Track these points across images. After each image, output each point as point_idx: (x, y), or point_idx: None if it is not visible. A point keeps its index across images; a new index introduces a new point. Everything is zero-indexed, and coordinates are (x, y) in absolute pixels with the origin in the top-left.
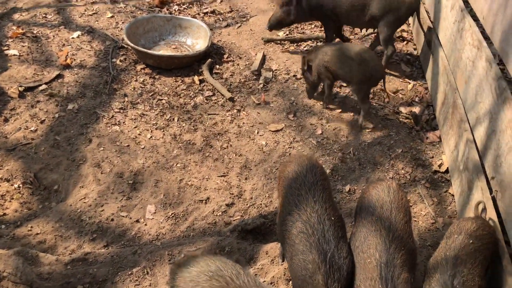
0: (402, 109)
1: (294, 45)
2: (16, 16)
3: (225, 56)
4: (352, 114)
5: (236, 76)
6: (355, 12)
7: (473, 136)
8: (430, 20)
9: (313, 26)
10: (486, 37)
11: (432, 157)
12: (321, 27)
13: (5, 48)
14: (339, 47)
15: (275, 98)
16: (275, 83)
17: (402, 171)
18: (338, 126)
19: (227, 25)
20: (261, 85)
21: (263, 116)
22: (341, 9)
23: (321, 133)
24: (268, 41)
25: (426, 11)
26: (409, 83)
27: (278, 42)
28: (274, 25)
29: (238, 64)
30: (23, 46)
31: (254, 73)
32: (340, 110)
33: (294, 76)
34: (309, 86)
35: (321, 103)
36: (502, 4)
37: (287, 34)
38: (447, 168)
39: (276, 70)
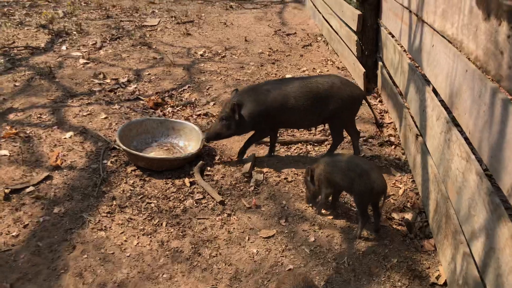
0: (394, 215)
1: (284, 147)
2: (11, 116)
3: (217, 158)
4: (344, 220)
5: (227, 178)
6: (308, 115)
7: (470, 250)
8: (416, 126)
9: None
10: None
11: (429, 267)
12: (310, 130)
13: None
14: (341, 158)
15: (266, 201)
16: (266, 185)
17: (399, 283)
18: (331, 233)
19: None
20: (252, 188)
21: (254, 221)
22: (294, 114)
23: (314, 240)
24: (259, 143)
25: (411, 116)
26: (400, 188)
27: (269, 144)
28: (213, 137)
29: (229, 166)
30: (15, 146)
31: (245, 176)
32: (332, 216)
33: (285, 179)
34: (310, 195)
35: (313, 208)
36: (487, 121)
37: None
38: (445, 280)
39: (267, 172)
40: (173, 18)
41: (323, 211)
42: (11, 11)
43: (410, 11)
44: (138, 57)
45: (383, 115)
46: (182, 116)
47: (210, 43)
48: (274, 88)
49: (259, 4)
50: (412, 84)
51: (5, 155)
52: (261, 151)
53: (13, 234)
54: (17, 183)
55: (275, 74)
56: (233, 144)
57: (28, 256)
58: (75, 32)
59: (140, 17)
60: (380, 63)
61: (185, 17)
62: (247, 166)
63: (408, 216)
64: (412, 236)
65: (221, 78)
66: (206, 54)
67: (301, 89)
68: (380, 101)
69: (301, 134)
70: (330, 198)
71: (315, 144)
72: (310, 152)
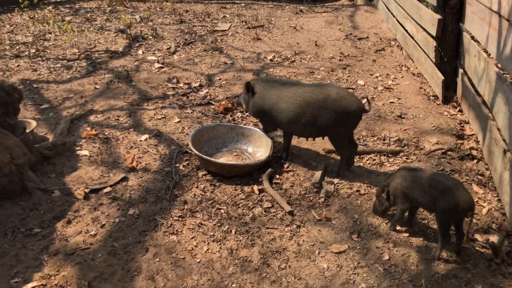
0: (477, 236)
1: (356, 157)
2: (92, 118)
3: (285, 165)
4: (421, 239)
5: (296, 188)
6: (300, 123)
7: None
8: (504, 140)
9: (375, 138)
10: None
11: None
12: (384, 140)
13: (78, 148)
14: (421, 174)
15: (337, 214)
16: (337, 197)
17: None
18: (407, 252)
19: None
20: (322, 199)
21: (324, 234)
22: (286, 118)
23: (388, 258)
24: (329, 151)
25: (498, 129)
26: (483, 207)
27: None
28: (237, 103)
29: (298, 175)
30: (94, 147)
31: (315, 186)
32: (408, 234)
33: (357, 191)
34: (381, 208)
35: (387, 222)
36: None
37: None
38: None
39: (338, 183)
40: (244, 23)
41: (398, 228)
42: (93, 17)
43: (500, 16)
44: (210, 62)
45: (463, 126)
46: (251, 121)
47: (280, 48)
48: (275, 87)
49: (330, 7)
50: (500, 94)
51: (85, 155)
52: (332, 160)
53: (92, 233)
54: (96, 183)
55: (346, 79)
56: (302, 152)
57: (104, 256)
58: (150, 37)
59: (212, 22)
60: (460, 70)
61: (255, 21)
62: (317, 175)
63: (494, 238)
64: (499, 261)
65: None
66: (276, 59)
67: (295, 95)
68: (460, 111)
69: (374, 144)
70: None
71: (389, 155)
72: (384, 164)
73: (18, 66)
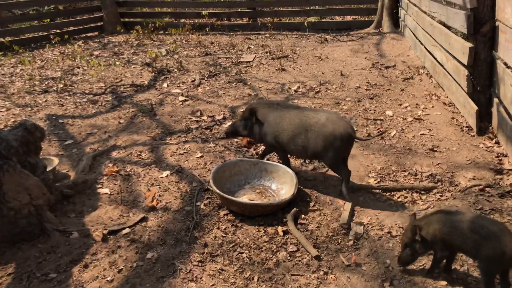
0: None
1: (387, 194)
2: (114, 154)
3: (311, 204)
4: None
5: (323, 229)
6: (296, 145)
7: None
8: None
9: (406, 173)
10: None
11: None
12: (415, 175)
13: (99, 186)
14: (461, 217)
15: (368, 259)
16: (367, 240)
17: None
18: None
19: (314, 169)
20: (351, 242)
21: (353, 282)
22: (283, 139)
23: None
24: (357, 188)
25: None
26: None
27: (369, 190)
28: (230, 133)
29: (325, 214)
30: (115, 185)
31: (343, 227)
32: (446, 282)
33: (388, 232)
34: (411, 257)
35: (422, 268)
36: None
37: (378, 182)
38: None
39: (367, 224)
40: (268, 54)
41: (435, 275)
42: (121, 51)
43: None
44: (234, 94)
45: (501, 160)
46: (275, 155)
47: (305, 78)
48: (278, 109)
49: (355, 36)
50: None
51: (106, 193)
52: (360, 198)
53: (108, 278)
54: (115, 223)
55: (374, 110)
56: (328, 189)
57: None
58: (176, 70)
59: (237, 53)
60: (495, 100)
61: (279, 52)
62: (345, 216)
63: None
64: None
65: None
66: (300, 90)
67: (294, 117)
68: (497, 143)
69: (405, 180)
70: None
71: (422, 192)
72: (417, 201)
73: (45, 101)
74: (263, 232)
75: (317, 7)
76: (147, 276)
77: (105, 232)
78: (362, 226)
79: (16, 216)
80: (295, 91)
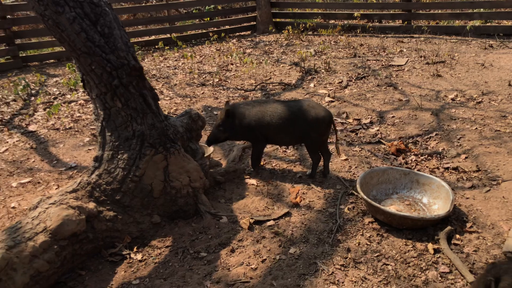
0: None
1: None
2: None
3: (468, 225)
4: None
5: (482, 254)
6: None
7: None
8: None
9: None
10: None
11: None
12: None
13: (247, 176)
14: None
15: None
16: None
17: None
18: None
19: (472, 187)
20: None
21: None
22: (269, 130)
23: None
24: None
25: None
26: None
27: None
28: (212, 140)
29: (484, 238)
30: (261, 177)
31: (507, 255)
32: None
33: None
34: None
35: None
36: None
37: None
38: None
39: None
40: (422, 58)
41: None
42: (271, 50)
43: None
44: (383, 98)
45: None
46: (427, 167)
47: (464, 87)
48: (256, 106)
49: None
50: None
51: (253, 184)
52: None
53: (252, 266)
54: (260, 214)
55: None
56: (489, 211)
57: None
58: (323, 70)
59: (387, 56)
60: None
61: (435, 57)
62: (509, 243)
63: None
64: None
65: (476, 128)
66: (458, 99)
67: (276, 110)
68: None
69: None
70: None
71: None
72: None
73: (202, 93)
74: (411, 247)
75: (482, 10)
76: (289, 270)
77: (251, 221)
78: None
79: (177, 195)
80: (452, 99)
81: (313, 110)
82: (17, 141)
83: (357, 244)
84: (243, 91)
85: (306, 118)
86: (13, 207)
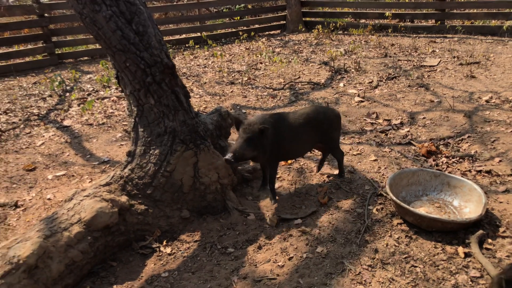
0: None
1: None
2: None
3: (501, 229)
4: None
5: None
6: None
7: None
8: None
9: None
10: None
11: None
12: None
13: None
14: None
15: None
16: None
17: None
18: None
19: (506, 191)
20: None
21: None
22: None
23: None
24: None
25: None
26: None
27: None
28: (239, 158)
29: None
30: (289, 175)
31: None
32: None
33: None
34: None
35: None
36: None
37: None
38: None
39: None
40: (455, 59)
41: None
42: (300, 49)
43: None
44: (414, 99)
45: None
46: (458, 169)
47: (499, 88)
48: (279, 120)
49: None
50: None
51: (281, 182)
52: None
53: (279, 263)
54: (288, 212)
55: None
56: None
57: None
58: (353, 70)
59: (419, 57)
60: None
61: (469, 57)
62: None
63: None
64: None
65: (511, 131)
66: (493, 101)
67: (295, 120)
68: None
69: None
70: None
71: None
72: None
73: (231, 92)
74: (441, 250)
75: None
76: (316, 269)
77: (278, 219)
78: None
79: (206, 191)
80: (487, 101)
81: (323, 110)
82: (52, 135)
83: (385, 245)
84: (271, 90)
85: (328, 118)
86: (49, 199)
